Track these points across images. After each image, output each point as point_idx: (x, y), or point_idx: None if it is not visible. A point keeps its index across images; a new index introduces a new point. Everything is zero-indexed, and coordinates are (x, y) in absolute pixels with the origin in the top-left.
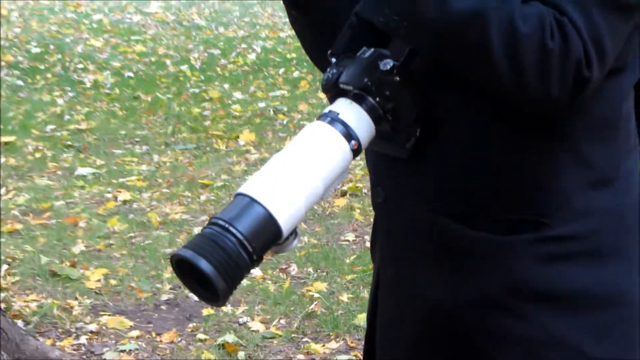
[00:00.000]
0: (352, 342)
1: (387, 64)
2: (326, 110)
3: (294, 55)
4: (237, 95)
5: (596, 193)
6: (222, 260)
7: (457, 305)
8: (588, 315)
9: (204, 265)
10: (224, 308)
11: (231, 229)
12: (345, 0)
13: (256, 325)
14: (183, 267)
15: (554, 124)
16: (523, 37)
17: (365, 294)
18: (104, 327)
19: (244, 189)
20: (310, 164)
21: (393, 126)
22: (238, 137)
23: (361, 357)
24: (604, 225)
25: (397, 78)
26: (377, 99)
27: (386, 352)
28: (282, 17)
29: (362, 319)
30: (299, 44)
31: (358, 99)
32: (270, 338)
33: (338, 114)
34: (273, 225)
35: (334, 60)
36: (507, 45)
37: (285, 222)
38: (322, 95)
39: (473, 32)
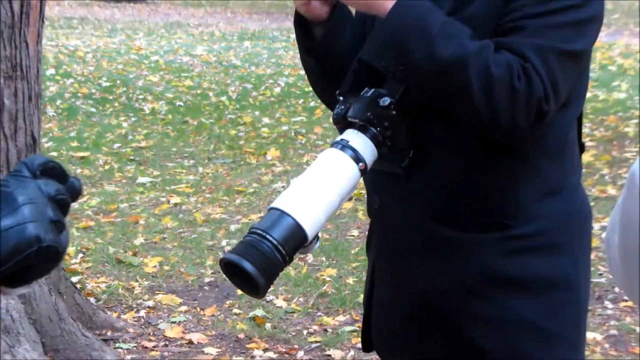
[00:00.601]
0: (356, 316)
1: (385, 101)
2: (338, 138)
3: (310, 89)
4: (265, 120)
5: (548, 201)
6: (261, 261)
7: (439, 291)
8: (543, 297)
9: (248, 266)
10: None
11: (267, 236)
12: (348, 51)
13: (280, 302)
14: (230, 268)
15: (517, 148)
16: (496, 80)
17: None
18: (158, 303)
19: (275, 204)
20: (328, 183)
21: (391, 149)
22: (266, 153)
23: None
24: (555, 226)
25: (394, 112)
26: (378, 128)
27: (381, 330)
28: None
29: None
30: None
31: (363, 129)
32: (291, 312)
33: (348, 141)
34: (300, 232)
35: (341, 98)
36: (483, 86)
37: (309, 229)
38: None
39: (456, 75)
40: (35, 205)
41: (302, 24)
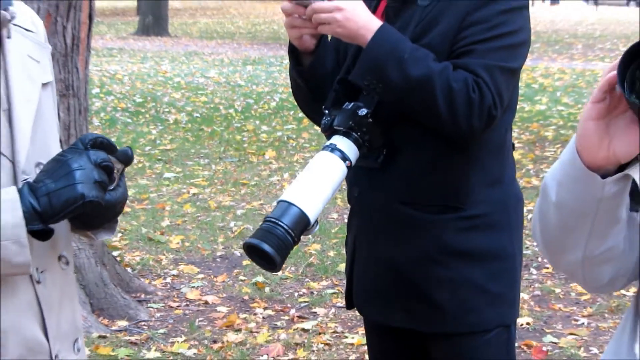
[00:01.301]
0: (336, 282)
1: (363, 111)
2: (327, 143)
3: None
4: (264, 127)
5: (491, 190)
6: (277, 243)
7: (406, 259)
8: (487, 265)
9: (267, 248)
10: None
11: (280, 223)
12: (329, 75)
13: None
14: (252, 250)
15: (468, 148)
16: (456, 92)
17: (344, 251)
18: (181, 272)
19: (284, 196)
20: (323, 178)
21: (369, 149)
22: (264, 154)
23: (341, 291)
24: (495, 210)
25: (370, 120)
26: (359, 133)
27: (360, 292)
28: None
29: (342, 267)
30: None
31: (347, 134)
32: (285, 279)
33: (335, 145)
34: (305, 218)
35: (326, 111)
36: (446, 98)
37: (312, 216)
38: (317, 128)
39: (424, 90)
40: (83, 170)
41: (295, 53)
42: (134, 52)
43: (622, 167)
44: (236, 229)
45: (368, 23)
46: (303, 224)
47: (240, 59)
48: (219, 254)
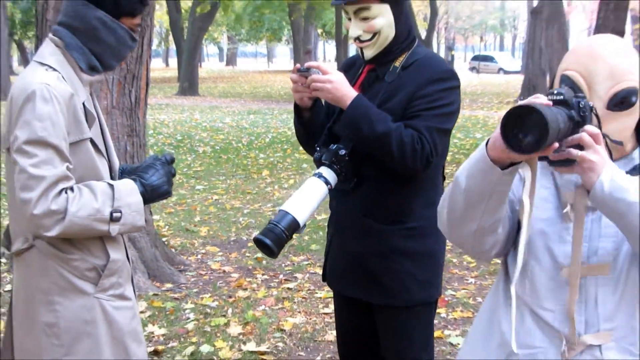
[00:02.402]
0: (309, 257)
1: (343, 152)
2: (316, 171)
3: (284, 139)
4: (262, 155)
5: (426, 209)
6: (276, 239)
7: (366, 254)
8: (420, 260)
9: (268, 241)
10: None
11: (279, 225)
12: (321, 123)
13: None
14: (258, 242)
15: (414, 179)
16: (406, 144)
17: (315, 237)
18: (207, 251)
19: (283, 207)
20: (311, 195)
21: (344, 178)
22: (262, 172)
23: (313, 263)
24: (429, 223)
25: (347, 158)
26: (338, 166)
27: (332, 274)
28: (279, 123)
29: (314, 247)
30: (287, 135)
31: (330, 166)
32: None
33: (322, 173)
34: (296, 223)
35: (318, 149)
36: (398, 147)
37: (302, 221)
38: (297, 155)
39: (384, 141)
40: (165, 174)
41: (297, 109)
42: (175, 106)
43: (512, 163)
44: (243, 222)
45: (348, 92)
46: (294, 227)
47: (245, 110)
48: (232, 239)
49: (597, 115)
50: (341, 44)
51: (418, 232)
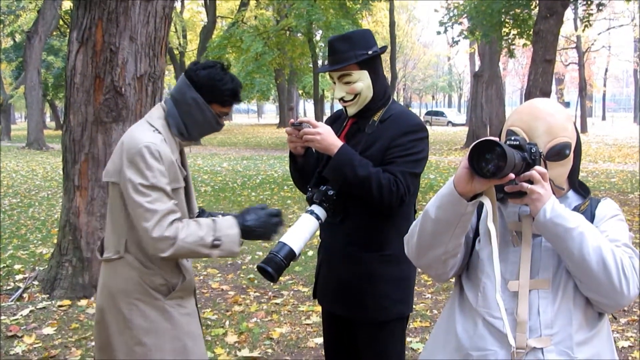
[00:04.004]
0: (293, 277)
1: (331, 192)
2: (308, 209)
3: (271, 180)
4: (253, 194)
5: (401, 239)
6: (276, 267)
7: (349, 277)
8: (395, 282)
9: (269, 269)
10: (242, 259)
11: (278, 255)
12: (312, 168)
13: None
14: (261, 269)
15: (390, 214)
16: (384, 186)
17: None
18: (208, 273)
19: (282, 239)
20: (304, 230)
21: (333, 213)
22: None
23: (297, 281)
24: (399, 251)
25: (335, 197)
26: (327, 204)
27: (321, 292)
28: (267, 167)
29: (297, 269)
30: (274, 177)
31: (320, 204)
32: None
33: (313, 210)
34: (293, 253)
35: (309, 189)
36: (377, 188)
37: (297, 251)
38: (282, 194)
39: (365, 184)
40: (264, 220)
41: (292, 156)
42: None
43: (476, 195)
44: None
45: (335, 142)
46: (291, 256)
47: (239, 156)
48: (229, 262)
49: (544, 160)
50: (318, 102)
51: (393, 259)
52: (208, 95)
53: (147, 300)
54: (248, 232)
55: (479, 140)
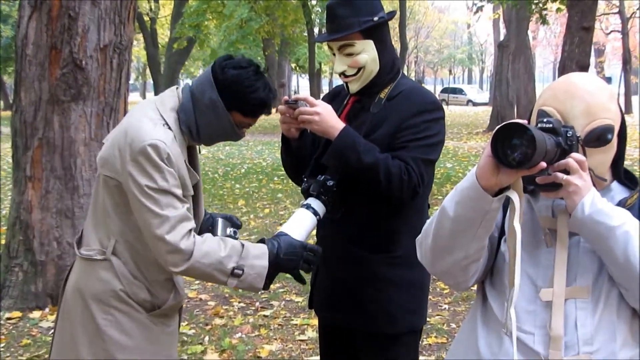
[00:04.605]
0: (285, 284)
1: (330, 183)
2: (304, 202)
3: (259, 170)
4: (237, 185)
5: (412, 238)
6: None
7: (352, 281)
8: (406, 288)
9: None
10: None
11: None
12: (308, 154)
13: None
14: None
15: (400, 208)
16: (393, 175)
17: None
18: (185, 280)
19: (281, 228)
20: (300, 227)
21: (332, 207)
22: (238, 202)
23: (288, 290)
24: (414, 252)
25: (335, 188)
26: (326, 197)
27: (318, 301)
28: (255, 154)
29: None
30: (262, 166)
31: (318, 197)
32: None
33: (310, 204)
34: None
35: (305, 179)
36: (386, 178)
37: None
38: (272, 185)
39: (372, 172)
40: (300, 259)
41: (285, 141)
42: None
43: (502, 189)
44: None
45: (336, 124)
46: None
47: (221, 143)
48: None
49: (583, 146)
50: (314, 77)
51: (404, 261)
52: (230, 101)
53: (126, 310)
54: (281, 267)
55: (504, 123)
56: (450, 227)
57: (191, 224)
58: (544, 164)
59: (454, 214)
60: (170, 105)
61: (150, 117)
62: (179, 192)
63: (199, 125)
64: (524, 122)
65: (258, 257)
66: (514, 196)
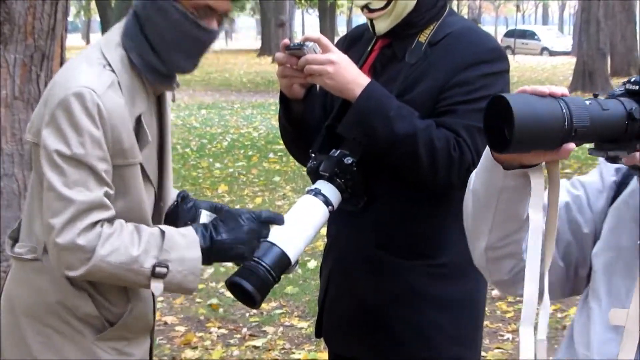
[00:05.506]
0: (283, 303)
1: (349, 160)
2: (311, 187)
3: (248, 143)
4: (217, 164)
5: (461, 240)
6: (258, 282)
7: (376, 300)
8: (455, 312)
9: (248, 286)
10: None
11: (261, 262)
12: (317, 121)
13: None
14: (233, 286)
15: (446, 198)
16: (438, 150)
17: (292, 276)
18: None
19: (269, 237)
20: (306, 221)
21: (351, 195)
22: (218, 188)
23: (288, 311)
24: (463, 258)
25: (354, 167)
26: (342, 180)
27: (329, 327)
28: (242, 121)
29: (290, 290)
30: (252, 137)
31: (331, 180)
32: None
33: (320, 190)
34: (286, 259)
35: (313, 155)
36: (428, 154)
37: (292, 257)
38: (266, 165)
39: (408, 145)
40: (248, 234)
41: (285, 101)
42: None
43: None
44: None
45: (357, 78)
46: (284, 264)
47: (195, 103)
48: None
49: None
50: (326, 14)
51: (449, 271)
52: None
53: (65, 331)
54: (220, 252)
55: (495, 95)
56: (471, 204)
57: (105, 214)
58: (571, 145)
59: (473, 185)
60: (116, 41)
61: (85, 60)
62: (100, 166)
63: (152, 44)
64: (527, 89)
65: (187, 246)
66: (534, 175)
